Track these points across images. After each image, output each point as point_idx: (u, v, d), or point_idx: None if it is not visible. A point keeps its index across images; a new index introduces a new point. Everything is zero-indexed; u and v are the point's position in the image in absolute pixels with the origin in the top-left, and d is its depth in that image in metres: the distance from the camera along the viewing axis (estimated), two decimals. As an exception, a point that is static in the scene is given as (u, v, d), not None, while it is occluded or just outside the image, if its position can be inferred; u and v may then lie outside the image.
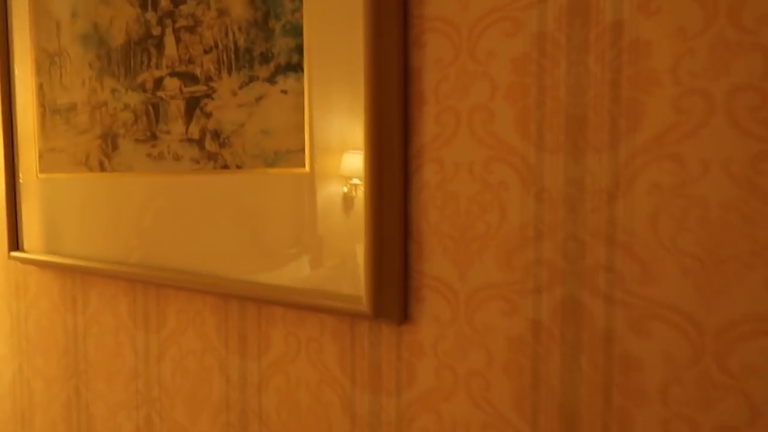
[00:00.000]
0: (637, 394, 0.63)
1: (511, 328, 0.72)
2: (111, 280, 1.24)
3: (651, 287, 0.62)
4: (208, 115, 0.97)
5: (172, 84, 1.01)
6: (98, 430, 1.31)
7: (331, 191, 0.84)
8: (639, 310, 0.63)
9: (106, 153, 1.15)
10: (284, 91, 0.87)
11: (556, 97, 0.66)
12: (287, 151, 0.88)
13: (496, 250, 0.72)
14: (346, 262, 0.82)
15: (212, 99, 0.96)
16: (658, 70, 0.59)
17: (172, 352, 1.14)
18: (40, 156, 1.32)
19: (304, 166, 0.86)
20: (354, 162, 0.81)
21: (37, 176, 1.33)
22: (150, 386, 1.18)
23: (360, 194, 0.81)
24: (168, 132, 1.03)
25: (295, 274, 0.89)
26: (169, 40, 1.01)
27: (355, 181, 0.82)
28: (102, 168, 1.17)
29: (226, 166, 0.95)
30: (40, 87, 1.29)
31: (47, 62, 1.27)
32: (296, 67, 0.85)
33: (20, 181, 1.38)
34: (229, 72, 0.93)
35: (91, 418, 1.33)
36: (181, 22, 0.99)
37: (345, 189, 0.82)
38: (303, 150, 0.86)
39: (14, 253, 1.40)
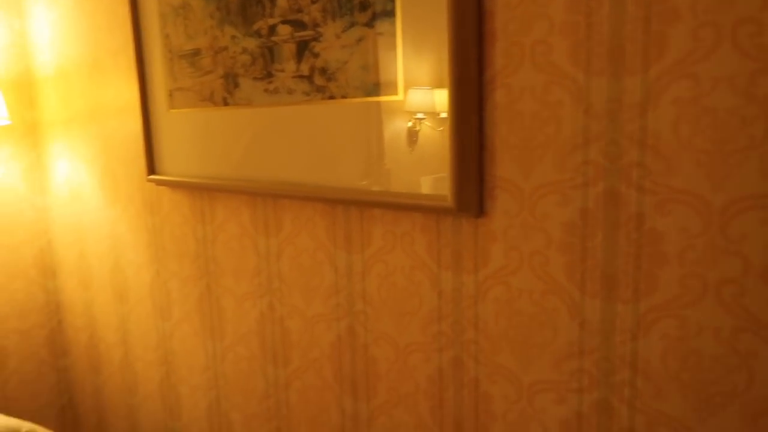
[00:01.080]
0: (661, 258, 0.84)
1: (564, 215, 0.93)
2: (234, 194, 1.53)
3: (672, 177, 0.81)
4: (316, 55, 1.19)
5: (284, 30, 1.24)
6: (228, 317, 1.64)
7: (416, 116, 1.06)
8: (663, 195, 0.82)
9: (228, 90, 1.41)
10: (380, 33, 1.07)
11: (601, 31, 0.84)
12: (383, 83, 1.10)
13: (553, 155, 0.93)
14: (430, 168, 1.05)
15: (319, 41, 1.18)
16: (679, 7, 0.76)
17: (288, 251, 1.42)
18: (170, 95, 1.59)
19: (397, 94, 1.08)
20: (423, 97, 1.02)
21: (168, 112, 1.61)
22: (271, 279, 1.48)
23: (425, 127, 1.02)
24: (282, 70, 1.27)
25: (390, 181, 1.13)
26: (280, -7, 1.23)
27: (420, 115, 1.03)
28: (225, 103, 1.42)
29: (332, 97, 1.19)
30: (167, 36, 1.55)
31: (172, 15, 1.51)
32: (390, 13, 1.05)
33: (154, 116, 1.66)
34: (333, 18, 1.14)
35: (221, 309, 1.66)
36: (290, -22, 1.20)
37: (411, 123, 1.04)
38: (396, 82, 1.07)
39: (151, 177, 1.71)
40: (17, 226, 2.31)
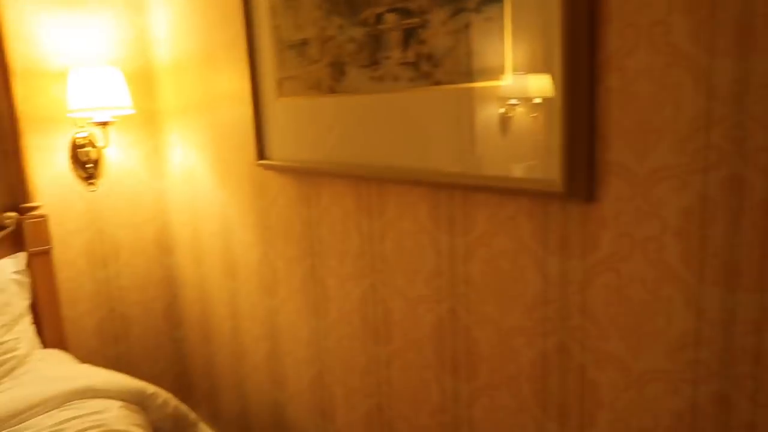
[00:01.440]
0: (790, 247, 0.80)
1: (682, 201, 0.90)
2: (339, 179, 1.59)
3: (807, 162, 0.77)
4: (422, 42, 1.21)
5: (390, 18, 1.27)
6: (331, 296, 1.72)
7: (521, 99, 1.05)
8: (795, 181, 0.78)
9: (334, 78, 1.46)
10: (488, 18, 1.08)
11: (725, 8, 0.80)
12: (489, 68, 1.10)
13: (671, 139, 0.90)
14: (540, 151, 1.05)
15: (425, 28, 1.20)
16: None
17: (391, 234, 1.46)
18: (279, 84, 1.67)
19: (502, 79, 1.08)
20: (521, 82, 1.01)
21: (276, 100, 1.70)
22: (374, 261, 1.53)
23: (517, 113, 1.02)
24: (388, 57, 1.30)
25: (494, 165, 1.14)
26: (387, -18, 1.26)
27: (538, 100, 1.03)
28: (331, 90, 1.48)
29: (438, 83, 1.20)
30: (277, 28, 1.62)
31: (282, 7, 1.59)
32: (498, -2, 1.05)
33: (263, 104, 1.76)
34: (440, 5, 1.15)
35: (325, 288, 1.74)
36: (397, -33, 1.23)
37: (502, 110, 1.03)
38: (502, 66, 1.08)
39: (260, 162, 1.81)
40: (139, 207, 2.52)
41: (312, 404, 1.89)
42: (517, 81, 1.07)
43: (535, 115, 1.05)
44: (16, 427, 1.59)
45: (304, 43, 1.53)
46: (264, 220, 1.95)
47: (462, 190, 1.25)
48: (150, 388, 1.89)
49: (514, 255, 1.18)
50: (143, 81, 2.44)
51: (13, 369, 1.87)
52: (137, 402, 1.83)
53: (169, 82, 2.38)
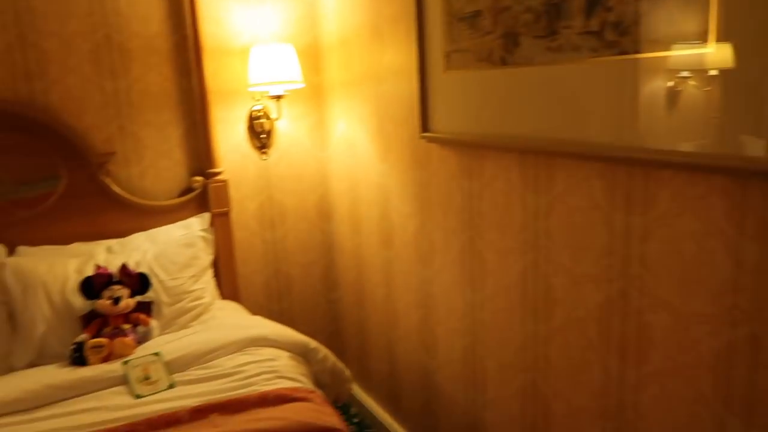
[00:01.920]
0: None
1: None
2: (504, 152, 1.58)
3: None
4: (609, 9, 1.15)
5: (574, -15, 1.22)
6: (489, 269, 1.72)
7: (735, 67, 0.96)
8: None
9: (507, 49, 1.44)
10: (690, -19, 1.00)
11: None
12: (686, 35, 1.02)
13: None
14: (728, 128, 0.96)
15: (614, -5, 1.13)
16: None
17: (559, 209, 1.43)
18: (447, 57, 1.69)
19: (704, 46, 1.00)
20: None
21: (443, 73, 1.71)
22: (537, 236, 1.51)
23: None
24: (568, 27, 1.25)
25: (686, 140, 1.06)
26: (573, -53, 1.20)
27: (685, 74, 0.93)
28: (503, 62, 1.46)
29: (623, 52, 1.14)
30: (448, 0, 1.63)
31: (454, -21, 1.59)
32: (705, -43, 0.97)
33: (429, 78, 1.78)
34: (634, -31, 1.09)
35: (483, 261, 1.74)
36: (586, -70, 1.17)
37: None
38: (705, 33, 0.99)
39: (424, 134, 1.85)
40: (304, 175, 2.69)
41: (463, 374, 1.93)
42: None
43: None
44: (205, 364, 1.81)
45: (476, 14, 1.52)
46: (423, 192, 2.00)
47: (642, 167, 1.18)
48: (312, 342, 2.04)
49: (702, 237, 1.10)
50: (311, 56, 2.58)
51: (199, 315, 2.12)
52: (301, 354, 1.98)
53: (335, 56, 2.49)
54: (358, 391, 2.71)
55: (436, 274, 2.00)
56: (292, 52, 2.36)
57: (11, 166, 2.09)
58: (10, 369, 1.83)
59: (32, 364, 1.85)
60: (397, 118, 2.08)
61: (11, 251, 2.07)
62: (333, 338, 2.84)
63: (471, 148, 1.71)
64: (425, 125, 1.85)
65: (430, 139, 1.85)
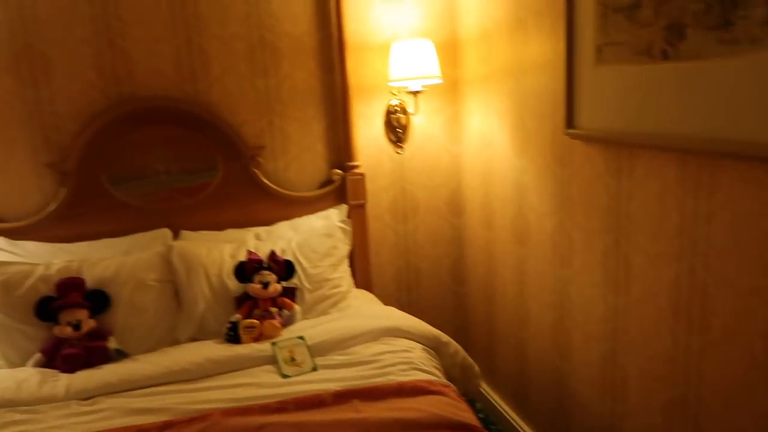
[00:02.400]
0: None
1: None
2: (659, 152, 1.48)
3: None
4: (800, -2, 1.04)
5: (756, -28, 1.11)
6: (636, 274, 1.64)
7: None
8: None
9: (670, 42, 1.35)
10: None
11: None
12: None
13: None
14: None
15: (807, -19, 1.02)
16: None
17: (722, 215, 1.32)
18: (598, 50, 1.61)
19: None
20: None
21: (593, 67, 1.64)
22: (695, 243, 1.41)
23: None
24: (746, 17, 1.15)
25: None
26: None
27: None
28: (664, 56, 1.38)
29: (816, 45, 1.03)
30: (602, -9, 1.56)
31: (611, -31, 1.51)
32: None
33: (577, 72, 1.72)
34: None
35: (629, 265, 1.66)
36: None
37: None
38: None
39: (569, 130, 1.79)
40: (436, 169, 2.72)
41: (600, 381, 1.86)
42: None
43: None
44: (344, 350, 1.90)
45: (635, 5, 1.44)
46: (564, 190, 1.94)
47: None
48: (444, 336, 2.06)
49: None
50: (449, 51, 2.59)
51: (337, 302, 2.22)
52: (433, 347, 2.02)
53: (473, 51, 2.48)
54: (484, 387, 2.70)
55: (574, 275, 1.94)
56: (431, 48, 2.38)
57: (178, 157, 2.32)
58: (175, 342, 2.04)
59: (193, 339, 2.05)
60: (538, 114, 2.03)
61: (176, 235, 2.30)
62: (460, 332, 2.85)
63: (621, 146, 1.62)
64: (570, 121, 1.79)
65: (575, 136, 1.79)
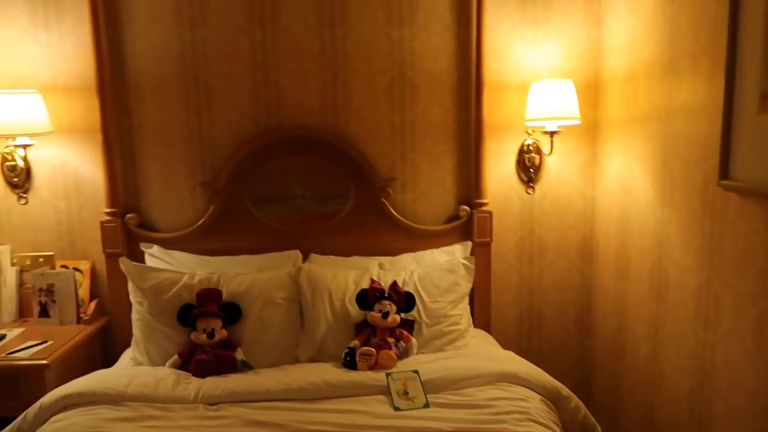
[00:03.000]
0: None
1: None
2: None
3: None
4: None
5: None
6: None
7: None
8: None
9: None
10: None
11: None
12: None
13: None
14: None
15: None
16: None
17: None
18: (763, 96, 1.47)
19: None
20: None
21: (757, 114, 1.50)
22: None
23: None
24: None
25: None
26: None
27: None
28: None
29: None
30: (772, 33, 1.43)
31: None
32: None
33: (737, 119, 1.58)
34: None
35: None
36: None
37: None
38: None
39: (723, 181, 1.64)
40: (568, 213, 2.61)
41: (746, 464, 1.64)
42: None
43: None
44: (458, 390, 1.85)
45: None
46: (713, 245, 1.77)
47: None
48: (564, 389, 1.95)
49: None
50: (590, 92, 2.50)
51: (454, 340, 2.19)
52: (552, 400, 1.91)
53: (617, 92, 2.37)
54: (605, 451, 2.51)
55: (720, 340, 1.75)
56: (572, 88, 2.32)
57: (314, 184, 2.44)
58: (295, 360, 2.12)
59: (312, 359, 2.12)
60: (687, 161, 1.89)
61: (305, 257, 2.41)
62: (581, 387, 2.67)
63: (785, 202, 1.46)
64: (724, 171, 1.64)
65: (729, 188, 1.64)
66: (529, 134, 2.50)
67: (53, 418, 1.76)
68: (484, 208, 2.48)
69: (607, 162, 2.47)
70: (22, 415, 1.82)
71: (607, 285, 2.51)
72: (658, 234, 2.08)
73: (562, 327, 2.70)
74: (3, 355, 2.05)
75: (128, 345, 2.26)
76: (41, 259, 2.49)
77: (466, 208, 2.49)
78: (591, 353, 2.69)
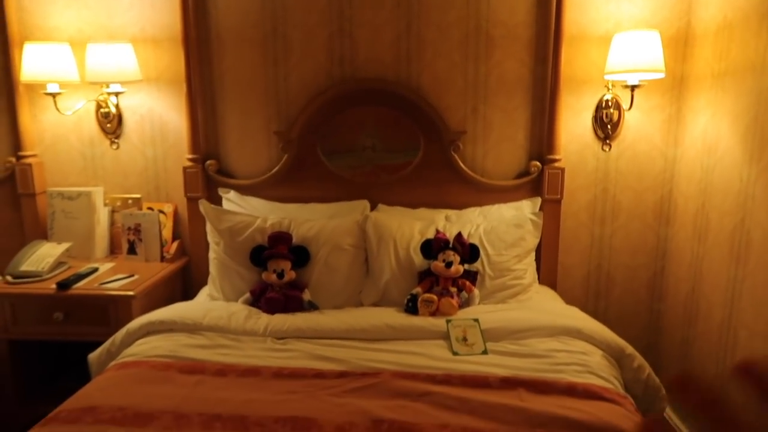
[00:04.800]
0: None
1: None
2: None
3: None
4: None
5: None
6: None
7: None
8: None
9: None
10: None
11: None
12: None
13: None
14: None
15: None
16: None
17: None
18: None
19: None
20: None
21: None
22: None
23: None
24: None
25: None
26: None
27: None
28: None
29: None
30: None
31: None
32: None
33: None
34: None
35: None
36: None
37: None
38: None
39: (816, 136, 1.53)
40: (646, 173, 2.51)
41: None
42: None
43: None
44: (517, 341, 1.87)
45: None
46: (801, 206, 1.66)
47: None
48: (629, 348, 1.92)
49: None
50: (677, 43, 2.36)
51: (517, 294, 2.19)
52: (615, 357, 1.88)
53: (708, 43, 2.22)
54: (669, 413, 2.45)
55: (802, 306, 1.66)
56: (657, 40, 2.19)
57: (385, 136, 2.47)
58: (359, 304, 2.20)
59: (375, 305, 2.19)
60: (780, 117, 1.76)
61: (373, 207, 2.46)
62: (649, 351, 2.60)
63: None
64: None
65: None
66: (609, 89, 2.40)
67: (138, 341, 1.92)
68: (557, 164, 2.43)
69: (692, 119, 2.34)
70: (110, 339, 2.00)
71: (683, 248, 2.41)
72: (743, 195, 1.97)
73: (632, 290, 2.63)
74: (96, 285, 2.25)
75: (205, 283, 2.42)
76: (130, 201, 2.68)
77: (538, 163, 2.45)
78: (661, 318, 2.61)
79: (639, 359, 1.91)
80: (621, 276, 2.62)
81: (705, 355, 2.22)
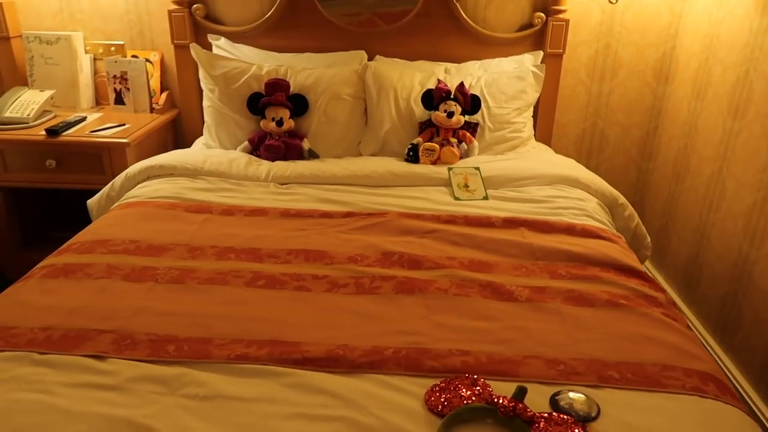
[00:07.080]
0: None
1: None
2: None
3: None
4: None
5: None
6: None
7: None
8: None
9: None
10: None
11: None
12: None
13: None
14: None
15: None
16: None
17: None
18: None
19: None
20: None
21: None
22: None
23: None
24: None
25: None
26: None
27: None
28: None
29: None
30: None
31: None
32: None
33: None
34: None
35: None
36: None
37: None
38: None
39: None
40: (650, 28, 2.44)
41: (795, 271, 1.68)
42: None
43: None
44: (517, 188, 1.91)
45: None
46: (811, 53, 1.65)
47: None
48: (621, 198, 1.98)
49: None
50: None
51: (516, 146, 2.21)
52: (609, 205, 1.95)
53: None
54: (647, 266, 2.60)
55: (796, 154, 1.70)
56: None
57: (383, -21, 2.33)
58: (358, 154, 2.19)
59: (374, 155, 2.18)
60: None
61: (370, 58, 2.38)
62: (635, 207, 2.70)
63: None
64: None
65: None
66: (622, -68, 2.27)
67: (139, 185, 1.91)
68: (561, 15, 2.34)
69: (705, -31, 2.25)
70: (109, 184, 1.98)
71: (680, 106, 2.42)
72: (750, 46, 1.94)
73: (624, 149, 2.67)
74: (87, 132, 2.18)
75: (198, 135, 2.38)
76: (113, 48, 2.53)
77: (542, 14, 2.36)
78: (649, 177, 2.68)
79: (630, 209, 1.99)
80: (614, 134, 2.64)
81: (690, 206, 2.31)
